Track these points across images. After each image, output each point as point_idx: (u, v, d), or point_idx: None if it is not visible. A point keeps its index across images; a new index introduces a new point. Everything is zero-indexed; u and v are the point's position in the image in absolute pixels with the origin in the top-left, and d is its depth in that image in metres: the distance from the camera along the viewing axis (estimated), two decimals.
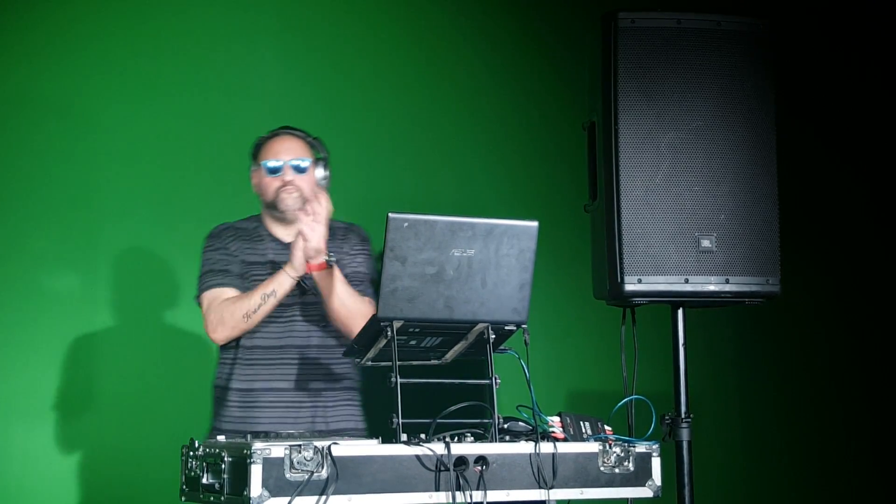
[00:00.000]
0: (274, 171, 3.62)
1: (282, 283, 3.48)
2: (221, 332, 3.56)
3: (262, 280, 3.54)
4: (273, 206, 3.64)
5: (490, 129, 5.12)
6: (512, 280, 2.97)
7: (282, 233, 3.68)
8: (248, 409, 3.57)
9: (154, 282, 4.55)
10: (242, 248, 3.64)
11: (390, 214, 2.88)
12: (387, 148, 4.91)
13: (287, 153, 3.64)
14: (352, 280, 3.66)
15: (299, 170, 3.63)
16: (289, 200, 3.61)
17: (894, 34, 5.50)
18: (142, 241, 4.52)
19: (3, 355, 4.32)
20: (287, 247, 3.60)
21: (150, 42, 4.62)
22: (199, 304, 3.66)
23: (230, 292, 3.60)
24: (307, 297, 3.60)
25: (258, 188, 3.70)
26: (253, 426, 3.51)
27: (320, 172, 3.66)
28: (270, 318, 3.55)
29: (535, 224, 2.99)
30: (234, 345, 3.61)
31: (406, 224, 2.88)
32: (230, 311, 3.53)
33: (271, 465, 2.66)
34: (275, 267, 3.57)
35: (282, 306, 3.55)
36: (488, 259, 2.94)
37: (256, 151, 3.71)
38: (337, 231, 3.69)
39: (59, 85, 4.50)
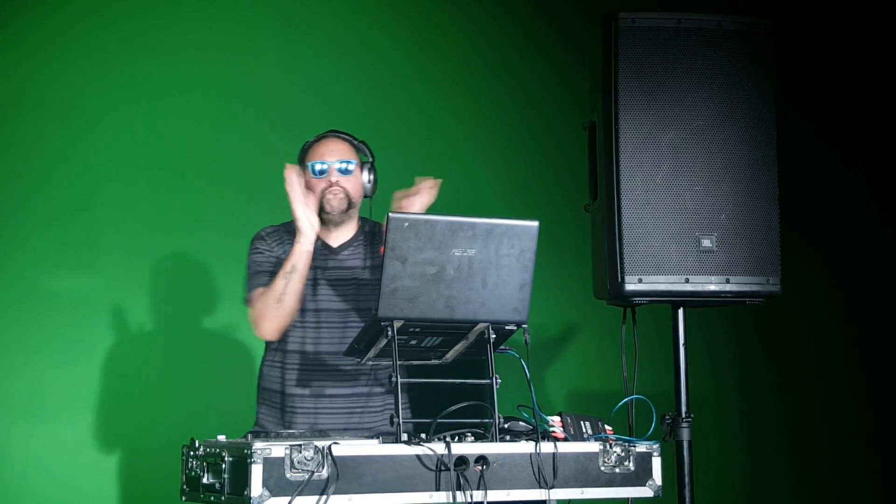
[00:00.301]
0: (320, 172, 3.60)
1: (300, 256, 3.45)
2: (264, 325, 3.52)
3: (314, 283, 3.55)
4: (319, 208, 3.60)
5: (491, 129, 5.12)
6: (512, 280, 2.97)
7: (328, 236, 3.65)
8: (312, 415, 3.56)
9: (154, 282, 4.55)
10: (288, 251, 3.56)
11: (391, 214, 2.88)
12: (387, 148, 4.90)
13: (333, 155, 3.62)
14: None
15: (345, 171, 3.61)
16: (334, 202, 3.59)
17: (894, 34, 5.50)
18: (142, 242, 4.52)
19: (2, 355, 4.32)
20: (335, 252, 3.62)
21: (149, 42, 4.62)
22: (248, 307, 3.63)
23: None
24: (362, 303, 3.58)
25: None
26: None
27: (366, 175, 3.65)
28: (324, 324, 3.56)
29: (535, 224, 2.99)
30: (280, 347, 3.58)
31: (406, 224, 2.88)
32: (263, 302, 3.50)
33: (272, 464, 2.66)
34: (323, 272, 3.57)
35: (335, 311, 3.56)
36: (489, 259, 2.94)
37: (303, 155, 3.69)
38: (380, 235, 3.67)
39: (59, 85, 4.50)
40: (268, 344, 3.64)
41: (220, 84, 4.71)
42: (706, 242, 3.71)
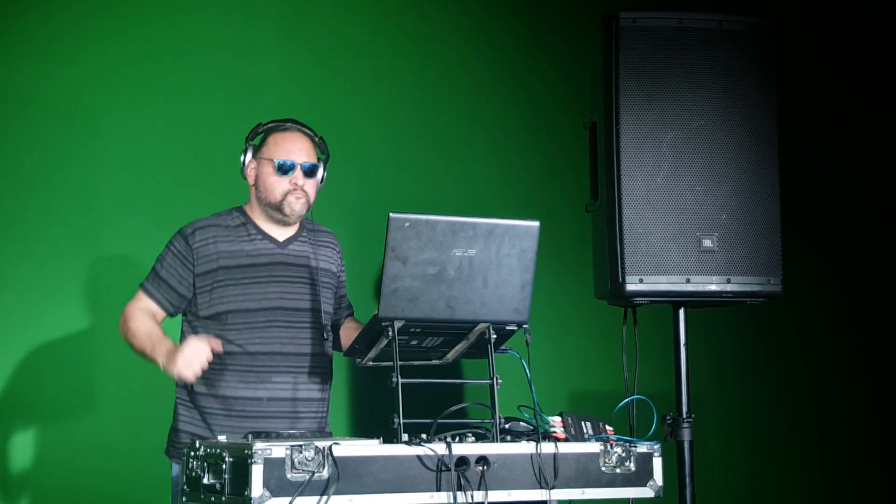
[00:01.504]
0: (284, 171, 3.50)
1: (155, 359, 3.35)
2: (121, 332, 3.50)
3: (264, 282, 3.46)
4: (276, 208, 3.50)
5: (491, 129, 5.11)
6: (513, 280, 2.97)
7: (274, 231, 3.55)
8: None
9: None
10: (231, 249, 3.49)
11: (391, 214, 2.87)
12: (388, 148, 4.91)
13: (300, 154, 3.50)
14: (343, 306, 3.68)
15: (310, 174, 3.51)
16: (296, 206, 3.49)
17: (895, 34, 5.50)
18: (142, 242, 4.51)
19: (3, 355, 4.31)
20: (281, 246, 3.53)
21: (151, 44, 4.62)
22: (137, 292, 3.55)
23: (153, 307, 3.49)
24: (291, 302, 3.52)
25: (258, 183, 3.55)
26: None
27: (321, 174, 3.55)
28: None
29: (536, 224, 2.99)
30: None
31: (407, 224, 2.87)
32: (128, 329, 3.45)
33: (272, 465, 2.66)
34: (274, 269, 3.49)
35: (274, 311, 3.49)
36: (489, 259, 2.94)
37: (260, 143, 3.57)
38: (321, 234, 3.63)
39: (61, 86, 4.49)
40: None
41: (220, 85, 4.70)
42: (707, 242, 3.71)
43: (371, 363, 3.12)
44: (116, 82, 4.55)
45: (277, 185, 3.50)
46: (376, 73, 4.94)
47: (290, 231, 3.57)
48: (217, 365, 3.41)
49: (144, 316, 3.47)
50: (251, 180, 3.58)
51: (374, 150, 4.86)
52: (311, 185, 3.52)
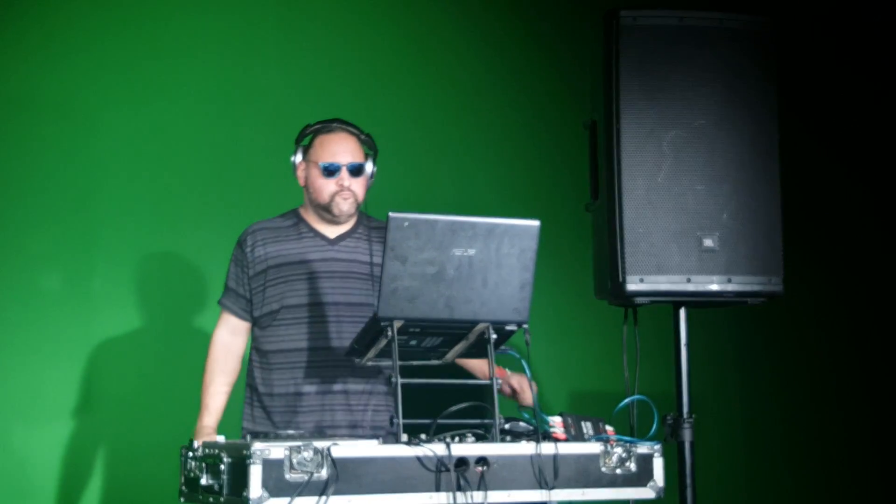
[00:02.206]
0: (331, 172, 3.56)
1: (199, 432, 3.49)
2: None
3: (313, 277, 3.51)
4: (326, 209, 3.57)
5: (491, 128, 5.11)
6: (513, 280, 2.96)
7: (327, 229, 3.61)
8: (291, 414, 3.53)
9: (153, 283, 4.54)
10: (281, 249, 3.57)
11: (391, 214, 2.87)
12: (387, 147, 4.88)
13: (345, 154, 3.57)
14: None
15: (356, 173, 3.57)
16: (344, 206, 3.56)
17: (895, 33, 5.49)
18: (141, 243, 4.52)
19: (2, 356, 4.31)
20: (332, 243, 3.57)
21: (149, 44, 4.62)
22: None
23: (232, 321, 3.60)
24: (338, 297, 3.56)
25: (308, 185, 3.61)
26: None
27: (370, 169, 3.62)
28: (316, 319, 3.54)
29: (536, 223, 2.98)
30: (273, 348, 3.56)
31: (406, 223, 2.87)
32: (206, 366, 3.61)
33: (271, 465, 2.65)
34: (324, 265, 3.53)
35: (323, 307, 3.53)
36: (489, 258, 2.93)
37: (307, 144, 3.63)
38: (378, 230, 3.64)
39: (59, 86, 4.49)
40: (260, 347, 3.60)
41: (219, 85, 4.70)
42: (708, 242, 3.69)
43: (370, 363, 3.11)
44: (116, 82, 4.55)
45: (325, 187, 3.57)
46: (376, 72, 4.94)
47: (343, 228, 3.63)
48: (268, 364, 3.54)
49: (219, 353, 3.61)
50: (301, 182, 3.65)
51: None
52: (358, 184, 3.58)
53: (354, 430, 3.47)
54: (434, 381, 3.44)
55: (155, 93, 4.59)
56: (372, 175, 3.63)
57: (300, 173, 3.63)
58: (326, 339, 3.50)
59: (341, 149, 3.58)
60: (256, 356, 3.61)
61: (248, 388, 3.63)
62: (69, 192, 4.45)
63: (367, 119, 4.80)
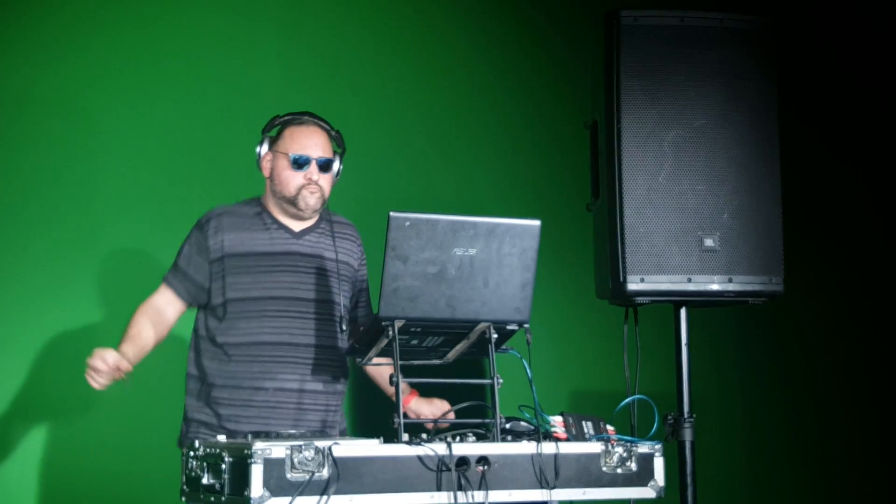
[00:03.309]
0: (300, 165, 3.50)
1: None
2: None
3: (276, 271, 3.45)
4: (291, 202, 3.50)
5: (492, 128, 5.11)
6: (514, 279, 2.96)
7: (291, 223, 3.55)
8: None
9: (154, 283, 4.53)
10: (244, 237, 3.49)
11: (392, 213, 2.87)
12: (388, 147, 4.91)
13: (315, 148, 3.51)
14: (362, 302, 3.66)
15: (325, 169, 3.52)
16: (311, 200, 3.49)
17: (895, 34, 5.50)
18: (142, 242, 4.51)
19: (2, 355, 4.31)
20: (297, 237, 3.52)
21: (150, 44, 4.61)
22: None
23: (169, 295, 3.53)
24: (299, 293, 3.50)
25: (273, 176, 3.54)
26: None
27: (336, 167, 3.56)
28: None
29: (537, 223, 2.98)
30: (226, 340, 3.47)
31: (408, 223, 2.87)
32: (132, 320, 3.51)
33: (272, 465, 2.65)
34: (288, 259, 3.48)
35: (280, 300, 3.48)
36: (490, 258, 2.93)
37: (275, 135, 3.57)
38: (341, 226, 3.62)
39: (61, 85, 4.49)
40: (214, 337, 3.49)
41: (220, 85, 4.70)
42: (709, 242, 3.70)
43: (371, 363, 3.11)
44: (116, 82, 4.55)
45: (292, 180, 3.50)
46: (376, 72, 4.94)
47: (307, 223, 3.57)
48: (224, 355, 3.45)
49: (143, 316, 3.52)
50: (266, 173, 3.58)
51: (375, 148, 4.85)
52: (326, 180, 3.53)
53: (299, 430, 3.36)
54: (435, 380, 3.45)
55: (156, 92, 4.59)
56: (338, 173, 3.57)
57: (265, 164, 3.55)
58: (290, 334, 3.44)
59: (312, 142, 3.52)
60: (210, 346, 3.49)
61: (192, 378, 3.53)
62: (70, 191, 4.45)
63: (368, 119, 4.84)
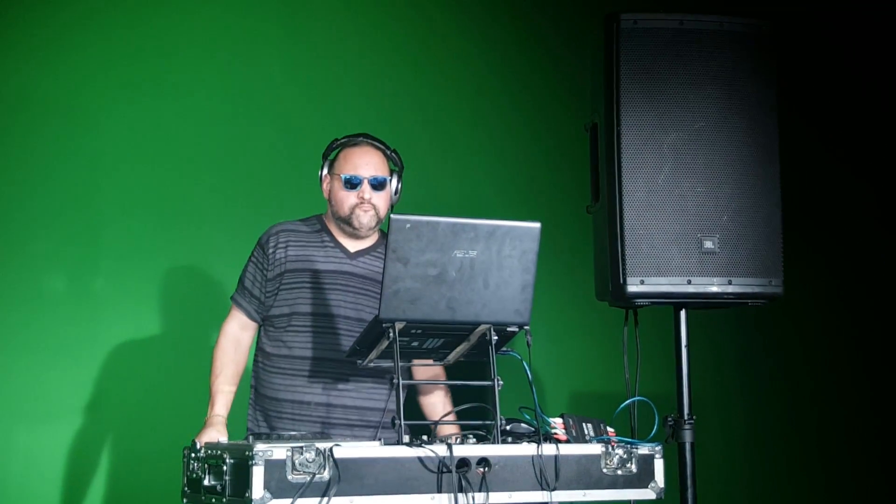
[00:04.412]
0: (352, 185, 3.56)
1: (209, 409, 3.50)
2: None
3: (327, 288, 3.52)
4: (346, 222, 3.57)
5: (492, 130, 5.11)
6: (514, 281, 2.97)
7: (348, 243, 3.61)
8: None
9: (156, 283, 4.54)
10: (301, 254, 3.56)
11: (392, 215, 2.88)
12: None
13: (367, 168, 3.57)
14: None
15: (378, 188, 3.57)
16: (364, 219, 3.55)
17: (895, 35, 5.51)
18: (143, 243, 4.52)
19: (4, 356, 4.31)
20: (351, 257, 3.57)
21: (151, 43, 4.62)
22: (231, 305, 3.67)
23: (243, 319, 3.60)
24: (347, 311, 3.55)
25: (330, 197, 3.62)
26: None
27: (395, 185, 3.61)
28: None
29: (537, 225, 2.99)
30: (283, 353, 3.56)
31: (408, 225, 2.87)
32: (213, 357, 3.58)
33: (273, 466, 2.66)
34: (340, 277, 3.54)
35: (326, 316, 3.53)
36: (490, 260, 2.94)
37: (333, 158, 3.63)
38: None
39: (61, 85, 4.49)
40: (264, 347, 3.60)
41: (221, 85, 4.71)
42: (708, 244, 3.70)
43: (372, 364, 3.12)
44: (118, 82, 4.55)
45: (346, 200, 3.57)
46: (377, 73, 4.94)
47: (364, 243, 3.63)
48: (271, 366, 3.54)
49: (228, 344, 3.59)
50: (326, 195, 3.65)
51: None
52: (380, 198, 3.58)
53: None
54: (436, 382, 3.44)
55: (158, 92, 4.60)
56: (396, 192, 3.63)
57: (325, 186, 3.64)
58: (332, 350, 3.49)
59: (363, 161, 3.58)
60: (261, 357, 3.61)
61: (252, 389, 3.64)
62: (72, 191, 4.46)
63: (368, 119, 4.83)
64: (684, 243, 3.69)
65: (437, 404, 3.64)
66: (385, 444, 2.83)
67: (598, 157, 3.82)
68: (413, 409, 3.58)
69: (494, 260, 2.94)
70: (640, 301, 3.72)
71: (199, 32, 4.70)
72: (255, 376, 3.64)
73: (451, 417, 3.41)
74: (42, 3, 4.50)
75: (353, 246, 3.61)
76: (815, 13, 5.48)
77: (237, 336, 3.61)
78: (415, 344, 3.04)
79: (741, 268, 3.72)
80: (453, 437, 3.03)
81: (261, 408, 3.57)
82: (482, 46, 5.13)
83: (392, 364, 2.93)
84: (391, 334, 2.91)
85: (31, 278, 4.39)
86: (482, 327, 3.00)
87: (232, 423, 3.57)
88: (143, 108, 4.57)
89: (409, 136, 4.94)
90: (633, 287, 3.66)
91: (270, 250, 3.58)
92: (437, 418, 3.44)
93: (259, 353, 3.63)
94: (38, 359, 4.35)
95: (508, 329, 3.02)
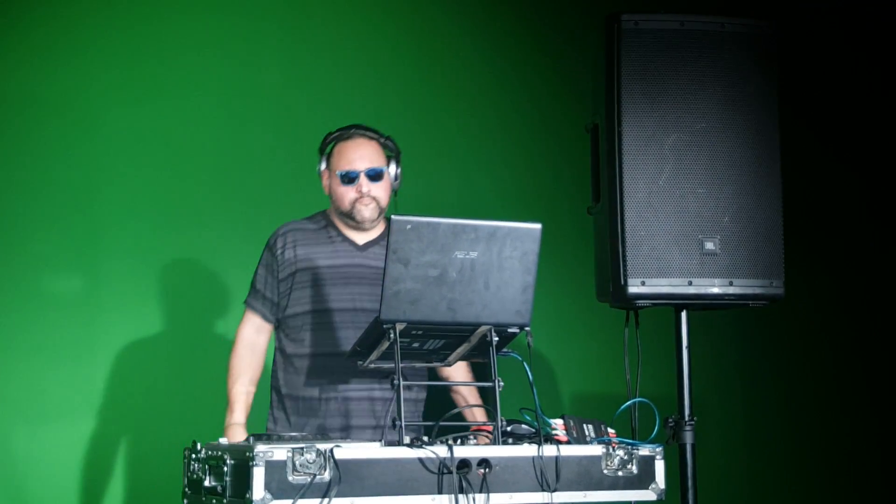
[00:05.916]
0: (349, 180, 3.57)
1: (227, 415, 3.54)
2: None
3: (340, 283, 3.52)
4: (348, 216, 3.59)
5: (493, 131, 5.11)
6: (515, 282, 2.97)
7: (355, 235, 3.63)
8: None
9: (156, 284, 4.54)
10: (310, 252, 3.58)
11: (393, 216, 2.87)
12: None
13: (362, 161, 3.58)
14: None
15: (375, 179, 3.58)
16: (366, 212, 3.57)
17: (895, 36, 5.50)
18: (144, 243, 4.52)
19: (5, 358, 4.31)
20: (361, 249, 3.58)
21: (152, 44, 4.62)
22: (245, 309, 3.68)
23: (258, 322, 3.61)
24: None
25: (331, 193, 3.63)
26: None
27: (393, 171, 3.62)
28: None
29: (538, 226, 2.99)
30: (300, 352, 3.57)
31: (409, 226, 2.87)
32: (230, 363, 3.59)
33: (274, 467, 2.66)
34: (352, 270, 3.54)
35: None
36: (491, 261, 2.93)
37: (328, 153, 3.63)
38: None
39: (62, 86, 4.50)
40: (284, 349, 3.60)
41: (221, 85, 4.71)
42: (709, 245, 3.70)
43: (372, 365, 3.12)
44: (119, 82, 4.56)
45: (345, 195, 3.58)
46: (377, 74, 4.94)
47: (371, 234, 3.64)
48: (291, 366, 3.55)
49: (244, 349, 3.60)
50: (326, 190, 3.66)
51: None
52: (379, 189, 3.59)
53: (376, 434, 3.45)
54: (437, 383, 3.44)
55: (158, 92, 4.60)
56: (396, 178, 3.63)
57: (324, 182, 3.65)
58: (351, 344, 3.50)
59: (358, 155, 3.58)
60: (281, 358, 3.62)
61: (273, 390, 3.64)
62: (72, 192, 4.46)
63: (368, 120, 4.81)
64: (685, 244, 3.69)
65: (469, 398, 3.69)
66: (385, 444, 2.83)
67: (599, 158, 3.81)
68: (447, 407, 3.56)
69: (495, 261, 2.94)
70: (640, 302, 3.72)
71: (199, 33, 4.70)
72: (275, 377, 3.64)
73: (479, 410, 3.45)
74: (42, 3, 4.51)
75: (360, 238, 3.62)
76: (814, 13, 5.48)
77: (252, 340, 3.61)
78: (415, 345, 3.04)
79: (742, 269, 3.71)
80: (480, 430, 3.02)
81: (285, 408, 3.56)
82: (482, 47, 5.13)
83: (393, 365, 2.93)
84: (392, 335, 2.91)
85: (32, 279, 4.39)
86: (483, 328, 3.00)
87: (251, 426, 3.58)
88: (143, 108, 4.57)
89: (410, 136, 4.92)
90: (634, 288, 3.66)
91: (279, 252, 3.59)
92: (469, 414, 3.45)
93: (279, 353, 3.63)
94: (39, 359, 4.35)
95: (509, 330, 3.02)
